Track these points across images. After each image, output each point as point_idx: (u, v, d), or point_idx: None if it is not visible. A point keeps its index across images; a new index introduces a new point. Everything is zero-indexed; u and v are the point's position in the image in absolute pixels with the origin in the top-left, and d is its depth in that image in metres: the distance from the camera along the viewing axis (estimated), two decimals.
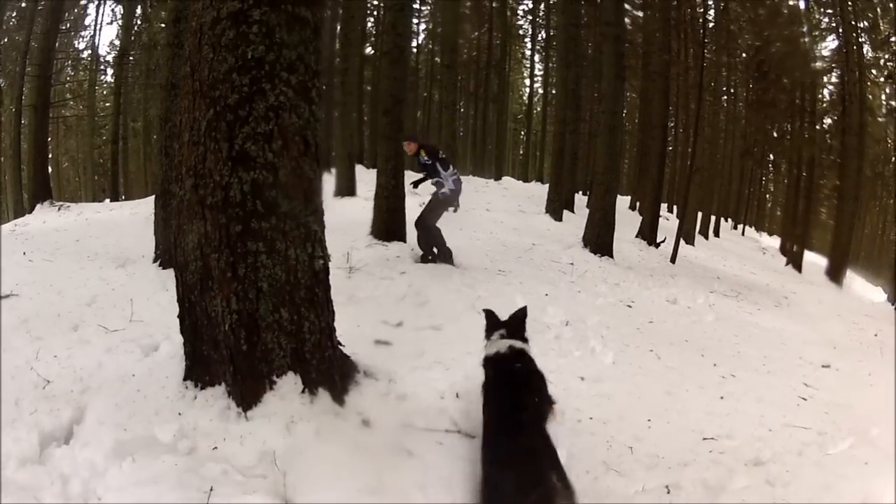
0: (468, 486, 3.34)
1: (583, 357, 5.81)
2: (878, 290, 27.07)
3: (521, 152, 44.68)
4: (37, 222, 13.80)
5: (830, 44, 25.64)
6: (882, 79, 25.22)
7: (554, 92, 30.12)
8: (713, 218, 27.66)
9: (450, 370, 4.89)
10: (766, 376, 6.07)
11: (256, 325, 3.60)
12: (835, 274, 22.83)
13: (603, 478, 3.78)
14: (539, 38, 36.72)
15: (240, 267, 3.53)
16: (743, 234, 35.72)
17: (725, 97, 27.82)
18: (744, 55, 24.14)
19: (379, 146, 10.89)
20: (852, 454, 4.34)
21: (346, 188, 16.32)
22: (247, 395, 3.62)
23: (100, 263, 7.68)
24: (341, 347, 4.33)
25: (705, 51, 16.73)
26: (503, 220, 14.48)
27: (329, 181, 17.76)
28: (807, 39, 23.82)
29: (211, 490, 2.98)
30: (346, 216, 11.99)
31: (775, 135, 27.19)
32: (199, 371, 3.88)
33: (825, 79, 26.50)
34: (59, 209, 15.78)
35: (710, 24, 20.22)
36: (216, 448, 3.36)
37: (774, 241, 33.78)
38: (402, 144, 9.43)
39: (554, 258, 10.59)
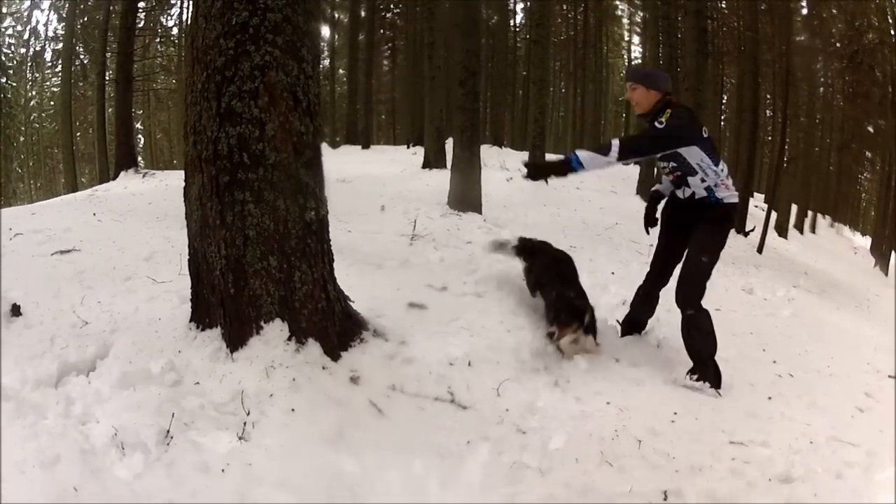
0: (432, 451, 3.37)
1: (627, 338, 5.46)
2: None
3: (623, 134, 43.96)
4: (118, 188, 14.42)
5: None
6: None
7: None
8: (810, 213, 26.58)
9: (474, 336, 4.81)
10: (827, 379, 5.46)
11: (244, 271, 3.80)
12: None
13: (593, 471, 3.50)
14: (637, 20, 36.08)
15: (227, 215, 3.75)
16: (840, 232, 34.02)
17: (822, 88, 26.67)
18: (838, 44, 23.01)
19: (455, 117, 11.00)
20: None
21: (435, 160, 16.55)
22: (234, 338, 3.84)
23: (167, 224, 7.86)
24: (350, 303, 4.47)
25: (798, 37, 16.09)
26: (591, 199, 14.19)
27: (419, 154, 18.29)
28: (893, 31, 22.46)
29: (173, 416, 3.19)
30: (430, 187, 12.17)
31: (871, 129, 25.86)
32: (200, 313, 4.12)
33: None
34: (143, 176, 16.42)
35: (803, 9, 19.54)
36: (198, 383, 3.57)
37: (866, 242, 32.01)
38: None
39: (634, 238, 10.10)
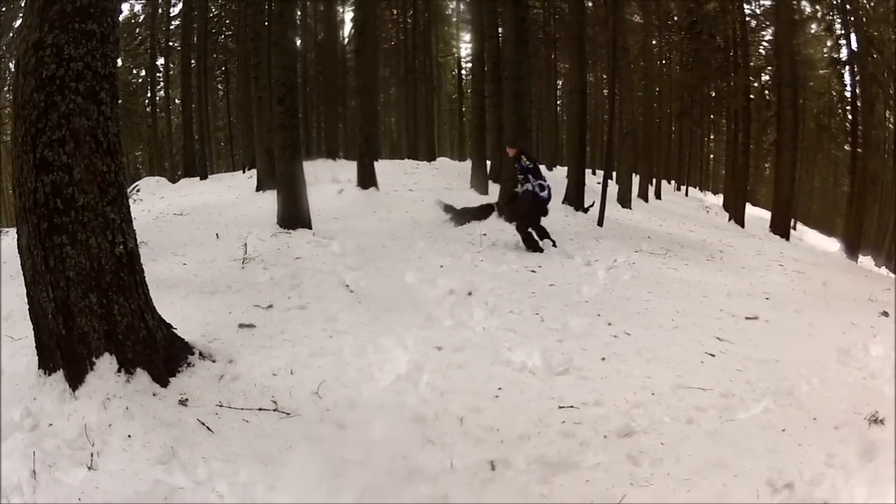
0: (258, 458, 3.62)
1: (452, 326, 5.80)
2: (832, 241, 27.48)
3: (458, 133, 44.71)
4: None
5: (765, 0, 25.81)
6: (822, 31, 25.79)
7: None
8: (654, 180, 27.88)
9: (296, 346, 5.14)
10: (671, 332, 5.81)
11: (70, 311, 4.01)
12: (779, 226, 22.34)
13: (416, 454, 3.70)
14: (466, 17, 36.51)
15: (50, 259, 3.96)
16: (686, 194, 35.55)
17: (660, 61, 28.15)
18: (675, 17, 24.39)
19: (275, 135, 11.09)
20: (766, 419, 3.98)
21: (267, 181, 16.24)
22: (73, 377, 4.03)
23: (19, 281, 7.48)
24: (174, 330, 4.76)
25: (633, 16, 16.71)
26: (424, 199, 14.40)
27: (254, 177, 18.16)
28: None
29: (34, 456, 3.37)
30: (263, 209, 12.28)
31: (713, 94, 27.57)
32: (45, 360, 4.25)
33: (760, 35, 26.94)
34: None
35: None
36: (51, 425, 3.73)
37: (718, 200, 33.73)
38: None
39: (467, 231, 10.66)
